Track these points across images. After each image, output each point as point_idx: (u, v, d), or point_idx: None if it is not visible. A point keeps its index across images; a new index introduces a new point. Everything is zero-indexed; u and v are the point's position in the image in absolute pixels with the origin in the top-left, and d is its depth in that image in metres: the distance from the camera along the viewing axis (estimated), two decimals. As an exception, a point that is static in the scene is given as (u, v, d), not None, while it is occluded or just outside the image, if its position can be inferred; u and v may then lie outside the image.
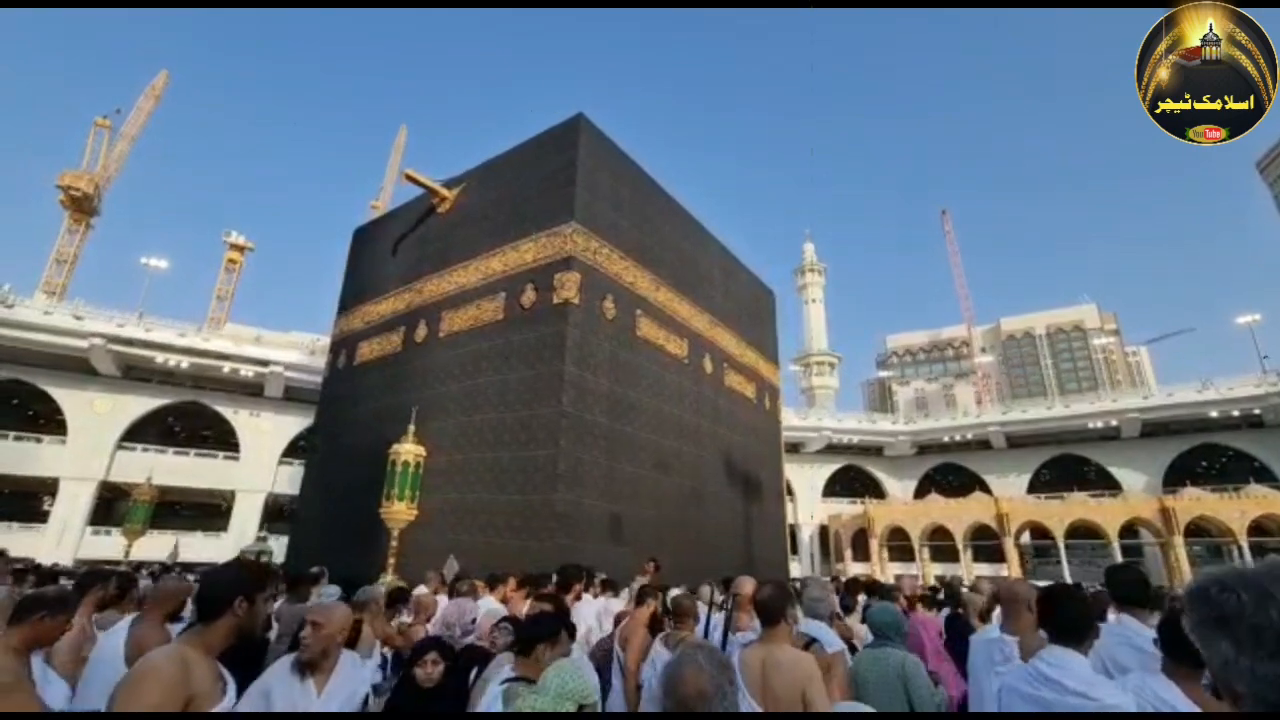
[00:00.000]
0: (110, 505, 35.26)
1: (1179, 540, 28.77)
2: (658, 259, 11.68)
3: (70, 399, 31.05)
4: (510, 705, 2.19)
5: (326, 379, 13.51)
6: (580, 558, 8.23)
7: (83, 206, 46.49)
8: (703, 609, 5.09)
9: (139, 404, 32.31)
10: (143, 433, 33.21)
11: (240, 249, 54.68)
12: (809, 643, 3.19)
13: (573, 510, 8.59)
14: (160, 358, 30.97)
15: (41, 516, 31.28)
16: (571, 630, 3.24)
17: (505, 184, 11.13)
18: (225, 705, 1.91)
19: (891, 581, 8.36)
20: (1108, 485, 37.75)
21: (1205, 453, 36.64)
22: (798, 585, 5.66)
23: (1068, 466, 40.01)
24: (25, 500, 33.49)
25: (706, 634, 4.15)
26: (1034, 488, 40.09)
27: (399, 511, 7.46)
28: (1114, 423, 36.29)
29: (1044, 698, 2.05)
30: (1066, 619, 2.21)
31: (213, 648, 1.92)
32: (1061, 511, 32.49)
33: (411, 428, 8.43)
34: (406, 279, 12.01)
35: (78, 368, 30.62)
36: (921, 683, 3.09)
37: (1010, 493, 37.38)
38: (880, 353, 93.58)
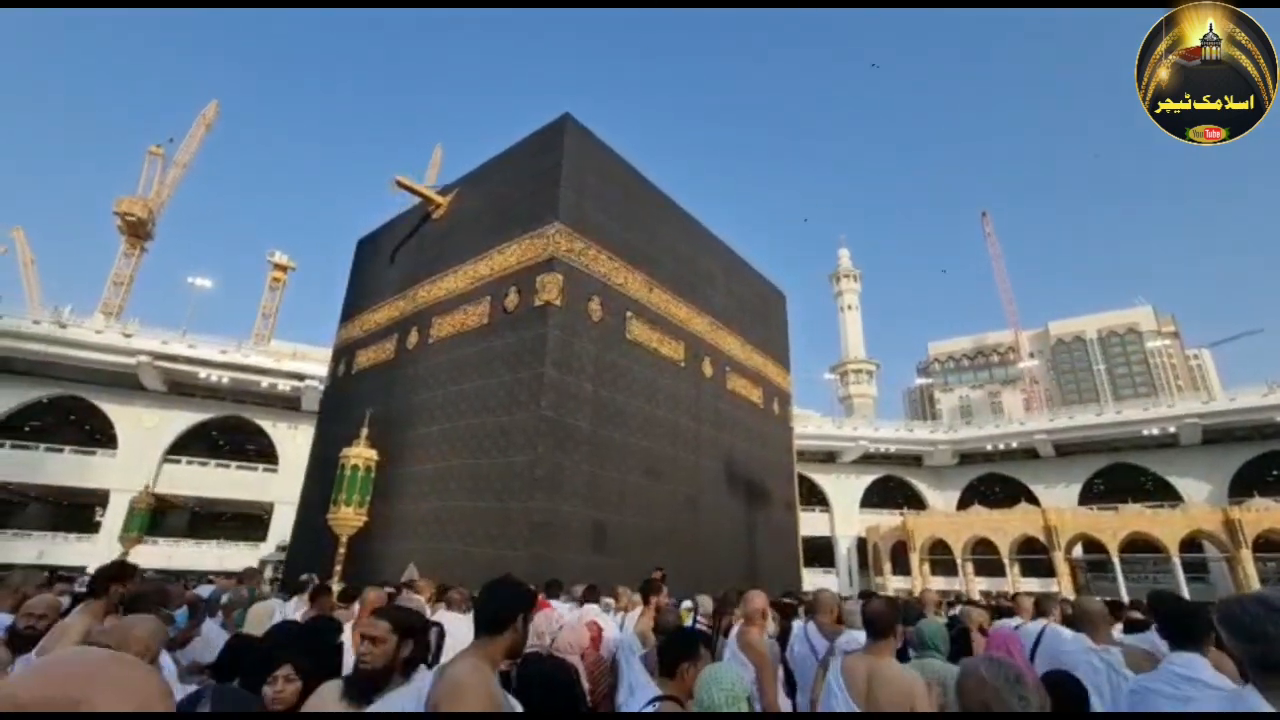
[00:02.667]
0: (155, 516, 36.80)
1: (1247, 554, 26.66)
2: (652, 260, 11.38)
3: (120, 414, 32.52)
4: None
5: (327, 388, 13.65)
6: (558, 568, 7.94)
7: (138, 231, 49.04)
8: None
9: (184, 418, 33.59)
10: (189, 446, 34.48)
11: (283, 268, 56.72)
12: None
13: (551, 518, 8.31)
14: (203, 373, 32.12)
15: (94, 527, 32.73)
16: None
17: (494, 187, 11.05)
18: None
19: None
20: (1167, 496, 35.40)
21: (1275, 460, 33.98)
22: (809, 599, 5.76)
23: (1123, 476, 37.71)
24: (80, 511, 35.22)
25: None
26: (1086, 498, 37.88)
27: (346, 517, 7.31)
28: (1171, 429, 34.03)
29: (1191, 695, 2.22)
30: (1182, 626, 2.47)
31: (496, 662, 1.98)
32: (1115, 524, 30.57)
33: (364, 431, 8.30)
34: (401, 286, 12.02)
35: (128, 384, 32.06)
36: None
37: (1059, 504, 35.41)
38: (922, 360, 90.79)
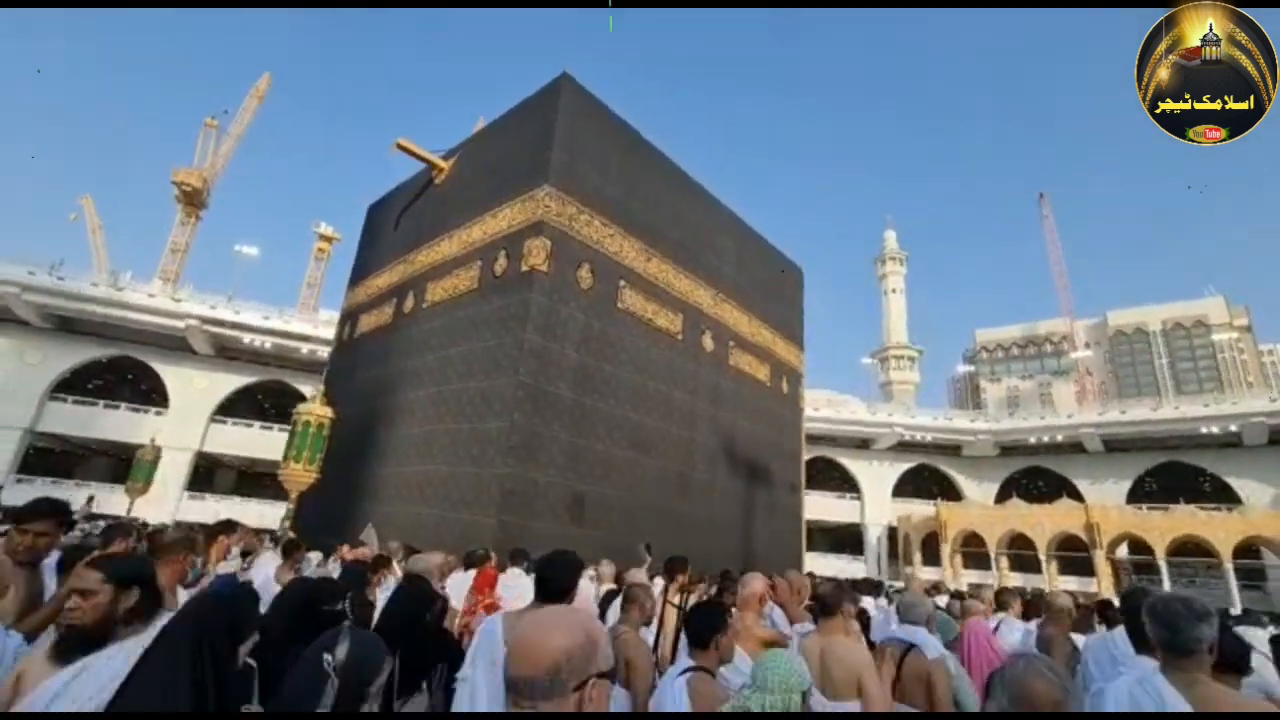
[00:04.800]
0: (207, 474, 38.79)
1: (1308, 563, 24.88)
2: (652, 228, 11.01)
3: (172, 375, 34.15)
4: (739, 707, 2.03)
5: (333, 352, 13.86)
6: (530, 536, 7.84)
7: (193, 200, 51.05)
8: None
9: (230, 381, 35.03)
10: (235, 408, 35.98)
11: (328, 239, 58.24)
12: (908, 649, 3.14)
13: (525, 487, 8.18)
14: (246, 338, 33.34)
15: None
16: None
17: (492, 150, 10.84)
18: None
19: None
20: (1225, 498, 33.21)
21: (1348, 464, 31.45)
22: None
23: (1178, 475, 35.51)
24: (135, 465, 37.42)
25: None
26: (1136, 497, 35.90)
27: (296, 473, 7.34)
28: (1234, 428, 31.78)
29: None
30: (1140, 628, 2.43)
31: None
32: (1164, 524, 28.89)
33: (320, 388, 8.31)
34: (402, 251, 11.99)
35: (178, 346, 33.58)
36: (964, 683, 3.26)
37: (1105, 501, 33.67)
38: (969, 347, 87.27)
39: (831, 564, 37.59)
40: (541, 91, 10.32)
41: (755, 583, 3.67)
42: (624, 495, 9.53)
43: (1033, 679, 1.57)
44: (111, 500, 31.48)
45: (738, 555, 10.97)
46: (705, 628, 2.57)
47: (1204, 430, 32.75)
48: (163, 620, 1.77)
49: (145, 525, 9.73)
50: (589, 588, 6.06)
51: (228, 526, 5.61)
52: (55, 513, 2.64)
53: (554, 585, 2.39)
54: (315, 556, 6.73)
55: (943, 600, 7.17)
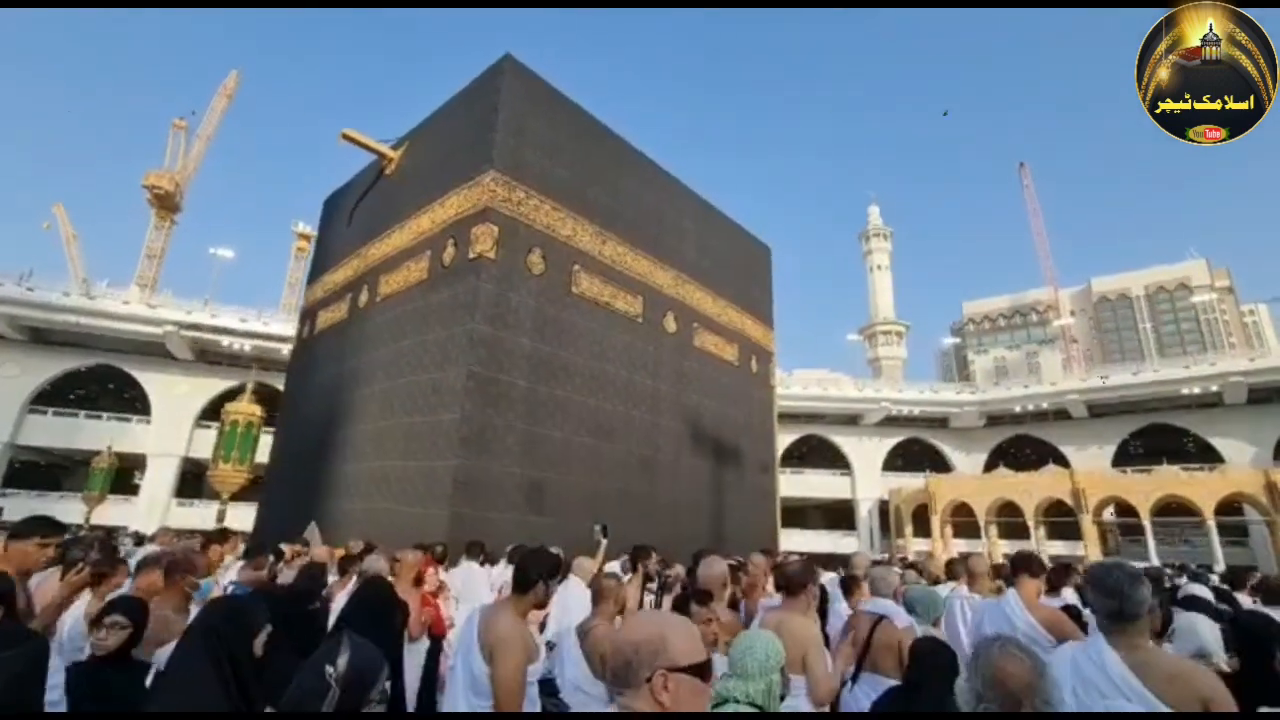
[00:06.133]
0: (195, 480, 38.57)
1: (1289, 518, 25.17)
2: (608, 210, 10.82)
3: (152, 382, 33.83)
4: (722, 694, 2.10)
5: (294, 350, 13.65)
6: (486, 528, 7.76)
7: (166, 204, 50.32)
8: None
9: (212, 385, 34.69)
10: (219, 412, 35.58)
11: (307, 238, 57.56)
12: (878, 620, 3.32)
13: (479, 477, 8.08)
14: (226, 341, 32.99)
15: (134, 489, 34.37)
16: None
17: (440, 137, 10.60)
18: (540, 664, 2.62)
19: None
20: (1209, 458, 33.56)
21: (1326, 419, 31.76)
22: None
23: (1162, 438, 35.85)
24: (121, 475, 37.09)
25: None
26: (1122, 460, 36.26)
27: (226, 474, 7.21)
28: (1214, 388, 32.01)
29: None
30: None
31: (524, 613, 2.65)
32: (1148, 486, 29.20)
33: (250, 385, 8.18)
34: (356, 245, 11.75)
35: (157, 352, 33.22)
36: None
37: (1092, 466, 33.97)
38: (956, 320, 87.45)
39: (825, 540, 37.85)
40: (485, 74, 10.09)
41: (717, 565, 3.78)
42: (585, 482, 9.45)
43: (1004, 661, 1.60)
44: (98, 510, 31.39)
45: (707, 536, 10.94)
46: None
47: (1185, 391, 33.01)
48: None
49: (108, 535, 9.63)
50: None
51: (223, 536, 5.88)
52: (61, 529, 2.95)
53: (519, 578, 2.68)
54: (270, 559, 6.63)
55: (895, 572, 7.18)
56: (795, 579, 3.35)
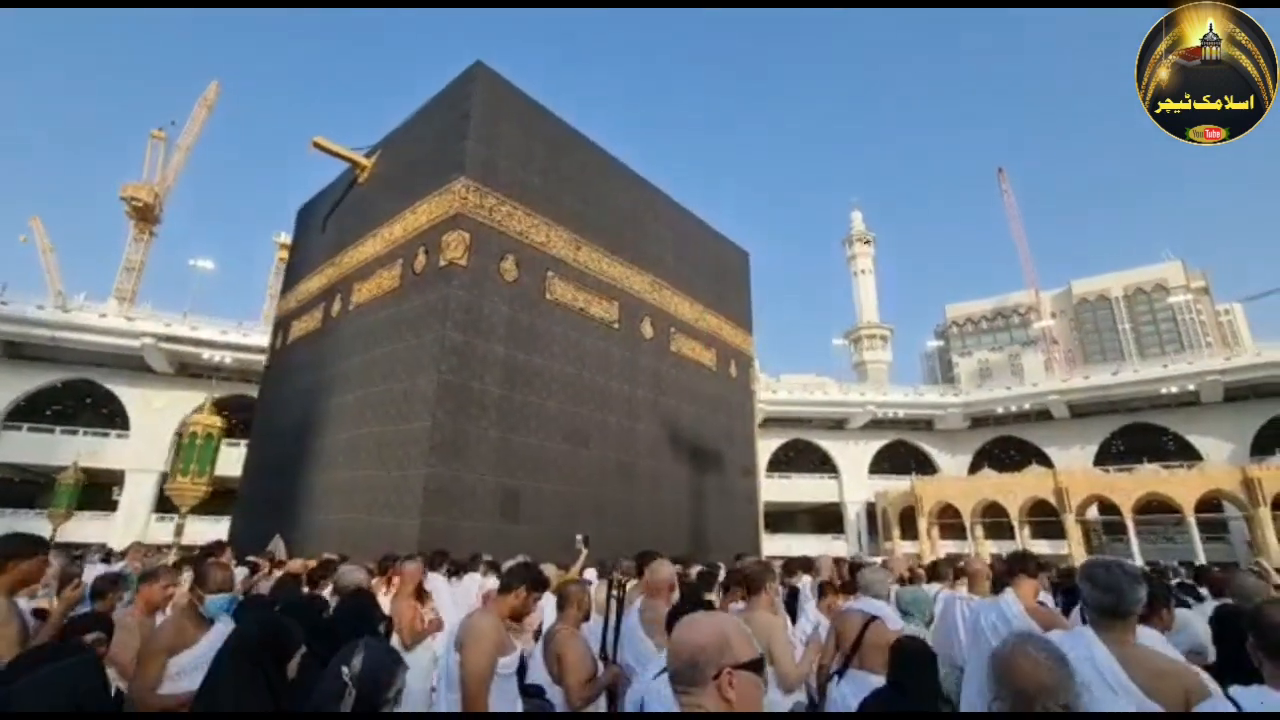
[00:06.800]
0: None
1: (1266, 513, 25.51)
2: (581, 217, 10.82)
3: (130, 396, 33.25)
4: None
5: (267, 362, 13.49)
6: (459, 536, 7.68)
7: (145, 216, 49.65)
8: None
9: (192, 399, 34.08)
10: (197, 425, 35.01)
11: (289, 248, 57.06)
12: (869, 620, 3.31)
13: (451, 486, 8.00)
14: (206, 354, 32.54)
15: (112, 505, 33.71)
16: None
17: (411, 144, 10.57)
18: (513, 657, 2.70)
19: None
20: (1188, 456, 34.01)
21: (1300, 417, 32.30)
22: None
23: (1142, 436, 36.30)
24: (99, 491, 36.38)
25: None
26: (1104, 460, 36.65)
27: (184, 487, 7.08)
28: (1191, 387, 32.49)
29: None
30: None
31: (503, 613, 2.84)
32: (1129, 484, 29.54)
33: (209, 397, 8.06)
34: (329, 254, 11.67)
35: (136, 366, 32.66)
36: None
37: (1074, 466, 34.33)
38: (939, 323, 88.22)
39: (814, 544, 37.90)
40: (456, 81, 10.07)
41: (664, 569, 3.71)
42: (562, 489, 9.38)
43: (1018, 658, 1.48)
44: (77, 527, 30.69)
45: (688, 541, 10.91)
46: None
47: (1163, 391, 33.46)
48: None
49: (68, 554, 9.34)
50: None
51: (218, 547, 5.93)
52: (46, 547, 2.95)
53: (503, 581, 3.00)
54: (241, 571, 6.48)
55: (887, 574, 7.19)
56: (754, 579, 3.49)
